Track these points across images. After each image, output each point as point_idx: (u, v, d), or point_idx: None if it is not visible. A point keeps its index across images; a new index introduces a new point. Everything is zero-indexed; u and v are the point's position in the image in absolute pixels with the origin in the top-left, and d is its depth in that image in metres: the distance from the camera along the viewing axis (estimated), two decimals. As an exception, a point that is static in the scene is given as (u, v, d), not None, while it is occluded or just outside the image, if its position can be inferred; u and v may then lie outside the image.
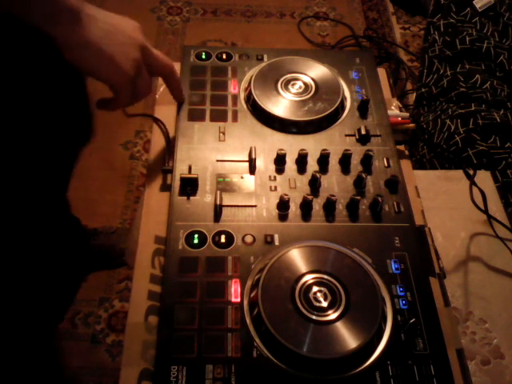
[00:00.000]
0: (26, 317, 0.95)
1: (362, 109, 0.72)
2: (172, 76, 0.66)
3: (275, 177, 0.64)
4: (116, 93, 0.60)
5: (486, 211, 0.73)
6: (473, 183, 0.73)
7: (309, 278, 0.54)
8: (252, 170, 0.64)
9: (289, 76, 0.73)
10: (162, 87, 0.76)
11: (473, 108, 1.23)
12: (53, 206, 0.91)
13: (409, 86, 1.68)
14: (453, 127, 1.20)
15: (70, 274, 1.16)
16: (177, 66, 0.76)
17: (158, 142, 0.70)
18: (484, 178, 0.82)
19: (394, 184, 0.64)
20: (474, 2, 1.41)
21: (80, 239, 1.21)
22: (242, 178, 0.64)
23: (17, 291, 0.88)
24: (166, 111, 0.72)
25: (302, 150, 0.65)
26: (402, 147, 0.72)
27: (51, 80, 0.61)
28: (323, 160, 0.66)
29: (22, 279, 0.86)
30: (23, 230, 0.80)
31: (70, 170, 0.90)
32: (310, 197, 0.60)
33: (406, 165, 0.69)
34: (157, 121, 0.71)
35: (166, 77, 0.66)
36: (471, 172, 0.74)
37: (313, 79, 0.73)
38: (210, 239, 0.58)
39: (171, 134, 0.70)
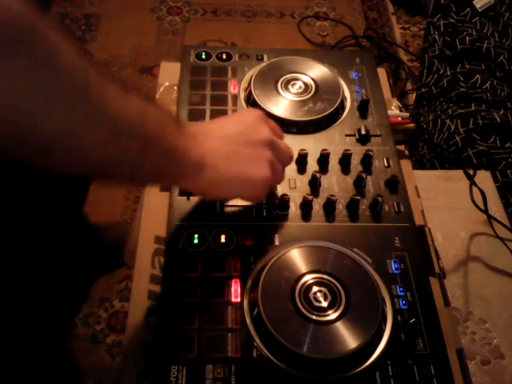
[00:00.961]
0: (40, 311, 0.95)
1: (362, 109, 0.72)
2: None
3: (275, 177, 0.64)
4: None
5: (486, 211, 0.73)
6: (473, 183, 0.73)
7: (309, 278, 0.54)
8: (252, 169, 0.64)
9: (289, 76, 0.73)
10: (161, 87, 0.76)
11: (473, 108, 1.22)
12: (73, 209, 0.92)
13: (409, 86, 1.68)
14: (453, 127, 1.20)
15: (82, 269, 1.17)
16: (177, 66, 0.76)
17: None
18: (484, 177, 0.82)
19: (394, 184, 0.64)
20: (474, 1, 1.41)
21: (89, 235, 1.22)
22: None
23: (29, 286, 0.89)
24: (166, 111, 0.72)
25: (302, 150, 0.65)
26: (402, 147, 0.72)
27: None
28: (323, 160, 0.66)
29: (35, 275, 0.87)
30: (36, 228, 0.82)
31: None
32: (310, 197, 0.60)
33: (406, 165, 0.69)
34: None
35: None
36: (471, 172, 0.74)
37: (313, 79, 0.73)
38: (210, 239, 0.58)
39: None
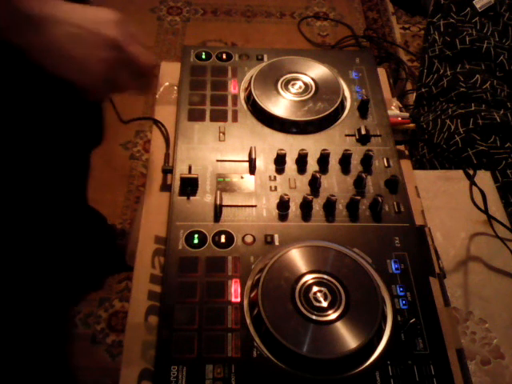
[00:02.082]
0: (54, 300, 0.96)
1: (362, 109, 0.72)
2: (149, 77, 0.61)
3: (275, 177, 0.64)
4: (86, 92, 0.57)
5: (486, 211, 0.73)
6: (473, 183, 0.73)
7: (309, 278, 0.54)
8: (252, 170, 0.64)
9: (289, 76, 0.73)
10: (161, 87, 0.76)
11: (473, 108, 1.23)
12: (76, 205, 0.92)
13: (409, 86, 1.68)
14: (453, 127, 1.20)
15: (97, 265, 1.17)
16: (177, 66, 0.76)
17: (157, 143, 0.70)
18: (484, 177, 0.82)
19: (394, 184, 0.64)
20: (474, 1, 1.41)
21: (105, 236, 1.22)
22: (241, 178, 0.64)
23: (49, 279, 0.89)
24: (166, 111, 0.72)
25: (302, 150, 0.65)
26: (402, 147, 0.72)
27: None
28: (323, 160, 0.66)
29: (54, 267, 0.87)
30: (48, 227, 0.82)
31: (86, 170, 0.91)
32: (310, 197, 0.60)
33: (406, 165, 0.69)
34: (156, 122, 0.71)
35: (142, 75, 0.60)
36: (471, 172, 0.74)
37: (313, 79, 0.73)
38: (210, 239, 0.58)
39: (171, 134, 0.70)
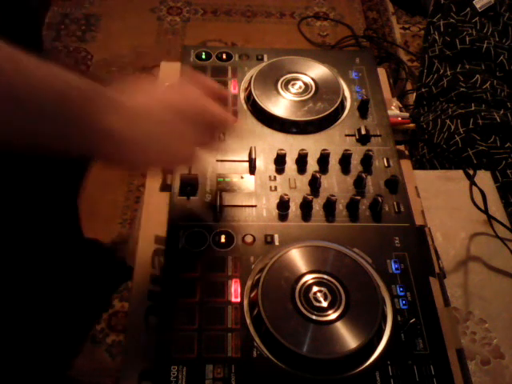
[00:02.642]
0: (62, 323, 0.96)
1: (362, 109, 0.72)
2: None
3: (275, 177, 0.64)
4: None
5: (486, 211, 0.73)
6: (473, 183, 0.73)
7: (309, 278, 0.54)
8: (252, 170, 0.64)
9: (289, 76, 0.73)
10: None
11: (473, 108, 1.23)
12: (68, 231, 0.93)
13: (409, 86, 1.68)
14: (453, 127, 1.20)
15: (100, 288, 1.17)
16: (177, 66, 0.76)
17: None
18: (484, 177, 0.82)
19: (394, 184, 0.64)
20: (474, 1, 1.41)
21: (103, 257, 1.22)
22: (242, 177, 0.64)
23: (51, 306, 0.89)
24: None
25: (302, 150, 0.65)
26: (402, 147, 0.72)
27: None
28: (323, 160, 0.66)
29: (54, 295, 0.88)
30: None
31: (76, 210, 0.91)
32: (310, 197, 0.60)
33: (406, 165, 0.69)
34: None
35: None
36: (471, 172, 0.74)
37: (313, 79, 0.73)
38: (210, 239, 0.58)
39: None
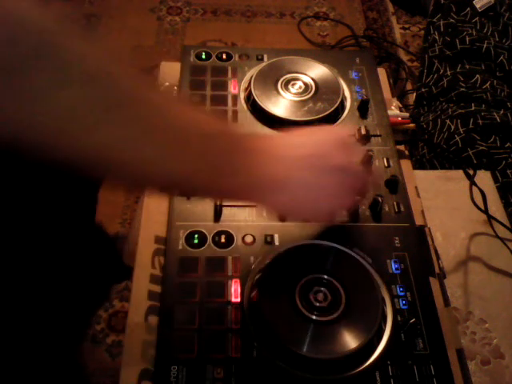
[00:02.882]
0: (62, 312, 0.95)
1: (362, 109, 0.72)
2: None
3: (275, 177, 0.64)
4: None
5: (486, 211, 0.73)
6: (473, 183, 0.73)
7: (309, 278, 0.54)
8: (252, 170, 0.64)
9: (289, 76, 0.73)
10: (161, 87, 0.76)
11: (473, 108, 1.22)
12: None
13: (409, 86, 1.68)
14: (453, 127, 1.20)
15: (102, 277, 1.17)
16: (177, 66, 0.76)
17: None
18: (484, 177, 0.82)
19: (394, 184, 0.64)
20: (474, 1, 1.41)
21: (107, 245, 1.22)
22: (242, 177, 0.64)
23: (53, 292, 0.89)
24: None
25: (302, 150, 0.65)
26: (402, 147, 0.71)
27: None
28: (323, 160, 0.65)
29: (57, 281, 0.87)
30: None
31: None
32: (310, 197, 0.60)
33: (406, 165, 0.69)
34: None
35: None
36: (471, 172, 0.74)
37: (313, 79, 0.73)
38: (210, 239, 0.58)
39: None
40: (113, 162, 0.39)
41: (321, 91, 0.72)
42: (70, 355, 1.04)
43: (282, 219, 0.59)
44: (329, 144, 0.53)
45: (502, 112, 1.21)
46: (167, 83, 0.76)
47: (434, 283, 0.57)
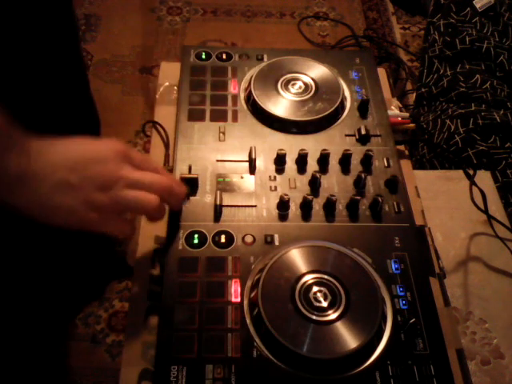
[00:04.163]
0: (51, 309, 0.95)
1: (362, 109, 0.72)
2: (170, 195, 0.55)
3: (275, 177, 0.64)
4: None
5: (486, 211, 0.73)
6: (473, 183, 0.73)
7: (309, 278, 0.54)
8: (252, 170, 0.64)
9: (289, 76, 0.73)
10: (161, 87, 0.76)
11: (473, 108, 1.22)
12: None
13: (409, 86, 1.68)
14: (453, 127, 1.20)
15: (96, 274, 1.17)
16: (177, 66, 0.76)
17: (157, 143, 0.70)
18: (484, 177, 0.82)
19: (394, 184, 0.64)
20: (474, 1, 1.41)
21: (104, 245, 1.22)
22: (242, 177, 0.64)
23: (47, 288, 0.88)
24: (166, 111, 0.72)
25: (302, 150, 0.65)
26: (402, 147, 0.72)
27: None
28: (323, 160, 0.66)
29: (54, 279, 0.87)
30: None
31: None
32: (310, 197, 0.60)
33: (406, 165, 0.69)
34: (156, 125, 0.71)
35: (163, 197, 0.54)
36: (471, 172, 0.74)
37: (313, 79, 0.73)
38: (210, 239, 0.58)
39: (171, 134, 0.70)
40: None
41: (321, 91, 0.72)
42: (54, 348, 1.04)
43: None
44: (103, 150, 0.51)
45: (502, 112, 1.21)
46: (167, 83, 0.76)
47: (433, 283, 0.57)
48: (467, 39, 1.35)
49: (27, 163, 0.46)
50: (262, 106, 0.69)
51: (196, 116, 0.69)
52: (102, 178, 0.49)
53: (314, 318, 0.51)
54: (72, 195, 0.48)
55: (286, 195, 0.60)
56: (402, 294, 0.55)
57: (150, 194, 0.52)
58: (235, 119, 0.69)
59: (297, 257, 0.56)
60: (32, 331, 0.96)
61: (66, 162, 0.48)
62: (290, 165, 0.65)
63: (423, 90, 1.39)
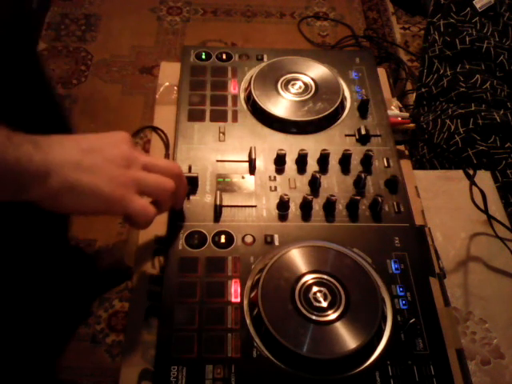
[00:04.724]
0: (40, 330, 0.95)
1: (362, 109, 0.72)
2: (180, 184, 0.56)
3: (275, 177, 0.64)
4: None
5: (486, 211, 0.73)
6: (473, 183, 0.73)
7: (309, 278, 0.54)
8: (252, 170, 0.64)
9: (289, 76, 0.73)
10: (161, 87, 0.76)
11: (473, 108, 1.23)
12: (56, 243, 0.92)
13: (409, 86, 1.68)
14: (453, 127, 1.20)
15: (81, 296, 1.17)
16: (177, 66, 0.76)
17: (157, 143, 0.70)
18: (484, 177, 0.82)
19: (394, 184, 0.64)
20: (474, 1, 1.41)
21: (86, 264, 1.22)
22: (242, 178, 0.64)
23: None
24: (165, 111, 0.72)
25: (302, 150, 0.65)
26: (402, 147, 0.72)
27: None
28: (323, 160, 0.66)
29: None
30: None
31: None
32: (309, 197, 0.60)
33: (406, 165, 0.69)
34: (155, 129, 0.71)
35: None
36: (471, 172, 0.74)
37: (313, 79, 0.73)
38: (209, 239, 0.58)
39: (171, 134, 0.70)
40: None
41: (321, 91, 0.72)
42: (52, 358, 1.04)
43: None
44: (113, 137, 0.52)
45: (502, 112, 1.21)
46: (167, 83, 0.76)
47: (433, 283, 0.57)
48: (467, 39, 1.35)
49: (44, 157, 0.46)
50: (262, 106, 0.69)
51: (196, 116, 0.69)
52: (121, 158, 0.51)
53: (314, 318, 0.51)
54: (97, 175, 0.49)
55: (286, 195, 0.60)
56: (402, 294, 0.55)
57: (166, 177, 0.53)
58: (235, 119, 0.69)
59: (297, 257, 0.56)
60: (32, 331, 0.96)
61: (82, 148, 0.49)
62: (290, 165, 0.65)
63: (423, 90, 1.39)
